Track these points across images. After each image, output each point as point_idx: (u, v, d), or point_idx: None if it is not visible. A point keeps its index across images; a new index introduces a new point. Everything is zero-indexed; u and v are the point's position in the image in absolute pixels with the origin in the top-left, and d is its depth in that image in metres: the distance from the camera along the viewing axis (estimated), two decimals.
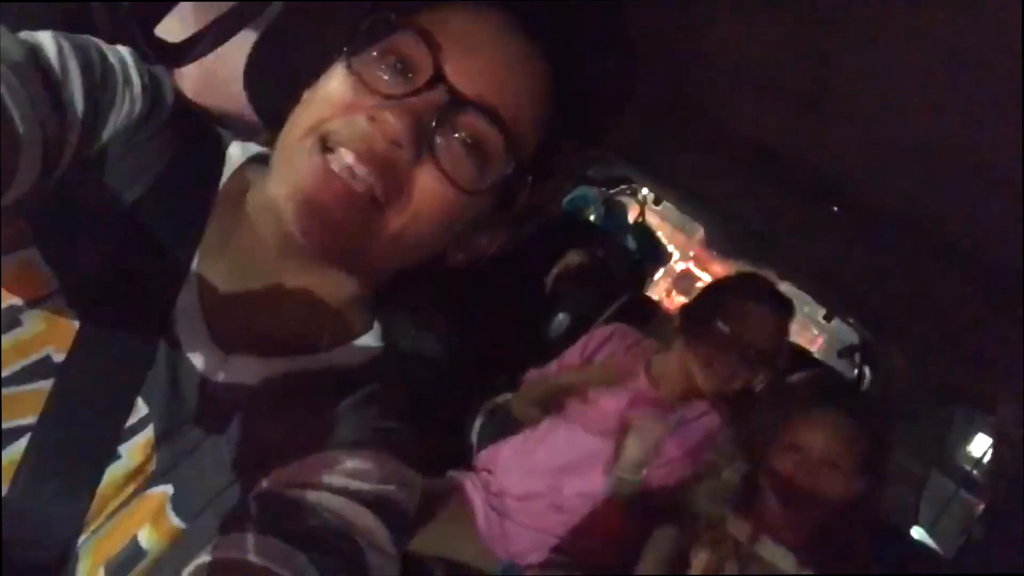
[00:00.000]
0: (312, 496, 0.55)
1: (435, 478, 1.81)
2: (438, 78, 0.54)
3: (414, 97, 0.53)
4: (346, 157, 0.53)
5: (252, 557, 0.49)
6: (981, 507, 1.98)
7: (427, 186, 0.55)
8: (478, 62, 0.55)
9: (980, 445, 2.70)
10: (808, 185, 1.52)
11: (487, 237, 0.65)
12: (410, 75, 0.54)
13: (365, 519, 0.55)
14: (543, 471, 1.75)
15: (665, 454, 1.69)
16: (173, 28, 0.91)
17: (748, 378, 1.67)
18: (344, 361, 0.65)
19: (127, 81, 0.57)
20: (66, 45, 0.53)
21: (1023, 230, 0.99)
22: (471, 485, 1.80)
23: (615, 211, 3.30)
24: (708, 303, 1.77)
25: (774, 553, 1.44)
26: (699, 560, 1.47)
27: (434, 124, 0.54)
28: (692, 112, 1.60)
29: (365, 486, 0.57)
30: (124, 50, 0.58)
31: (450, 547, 1.69)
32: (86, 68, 0.54)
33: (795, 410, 1.50)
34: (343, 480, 0.56)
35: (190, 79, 0.89)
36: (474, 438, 1.99)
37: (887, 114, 1.02)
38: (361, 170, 0.53)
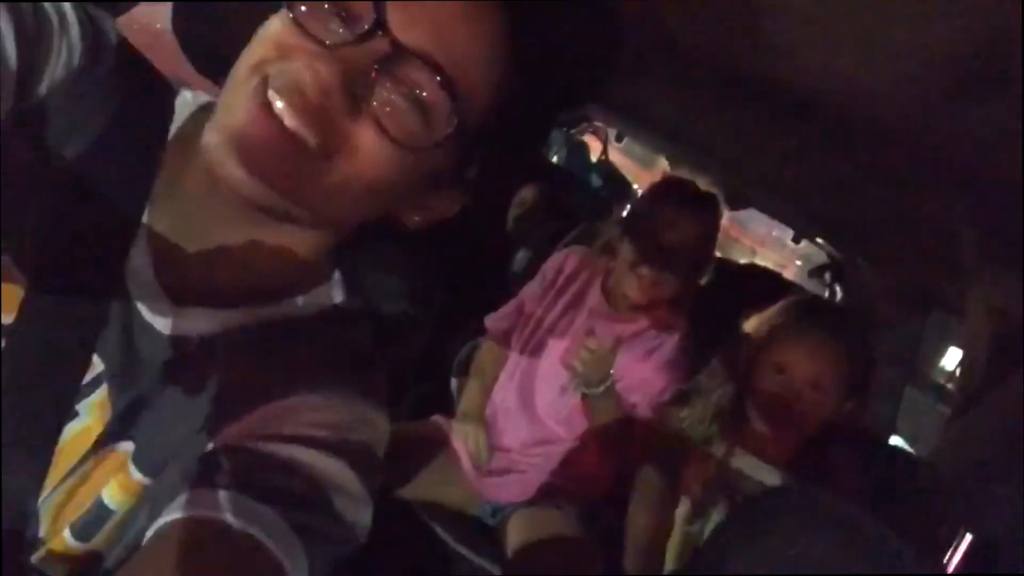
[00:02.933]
0: (274, 448, 0.54)
1: (416, 422, 1.83)
2: (378, 27, 0.51)
3: (353, 46, 0.51)
4: (278, 103, 0.50)
5: (223, 516, 0.49)
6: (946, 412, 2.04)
7: (366, 141, 0.53)
8: (424, 12, 0.52)
9: (953, 358, 2.76)
10: (768, 106, 1.50)
11: (443, 200, 0.64)
12: (351, 24, 0.52)
13: (329, 465, 0.55)
14: (515, 398, 1.79)
15: (621, 368, 1.72)
16: None
17: (673, 283, 1.69)
18: (302, 310, 0.64)
19: (64, 29, 0.54)
20: None
21: (986, 133, 0.99)
22: (455, 431, 1.82)
23: (577, 150, 3.27)
24: (635, 212, 1.82)
25: (758, 469, 1.46)
26: (687, 482, 1.50)
27: (372, 76, 0.51)
28: (649, 42, 1.57)
29: (326, 432, 0.56)
30: None
31: (437, 492, 1.73)
32: (17, 19, 0.51)
33: (779, 332, 1.52)
34: (304, 429, 0.56)
35: (133, 29, 0.85)
36: (453, 384, 2.00)
37: (844, 24, 1.00)
38: (291, 120, 0.50)
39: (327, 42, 0.51)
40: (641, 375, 1.71)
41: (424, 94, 0.53)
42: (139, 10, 0.86)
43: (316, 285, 0.66)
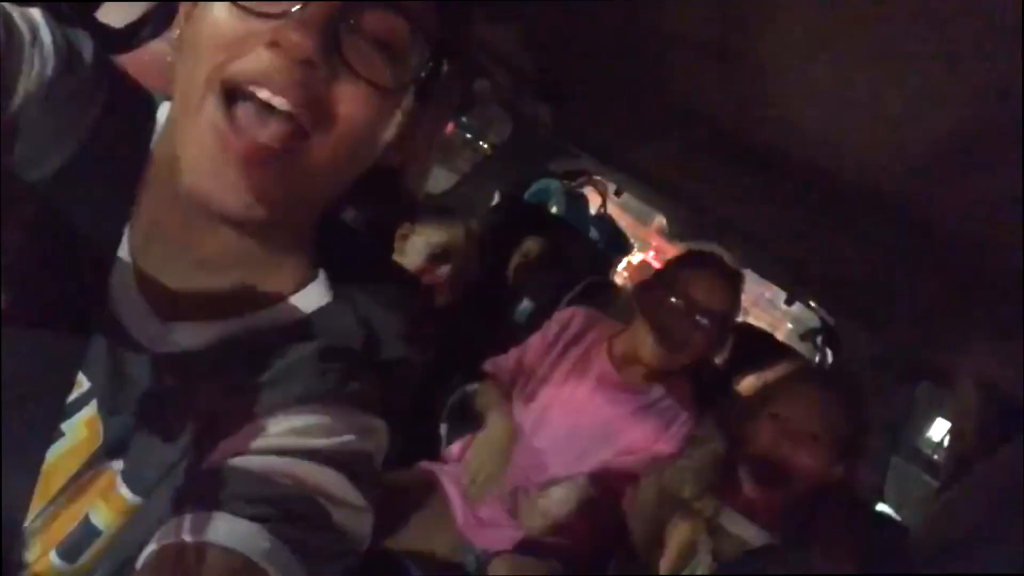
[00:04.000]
0: (267, 463, 0.53)
1: (404, 469, 1.80)
2: None
3: (308, 7, 0.49)
4: (260, 94, 0.49)
5: (217, 539, 0.47)
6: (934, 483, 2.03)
7: (349, 98, 0.52)
8: None
9: (940, 429, 2.76)
10: (766, 170, 1.53)
11: (418, 130, 0.62)
12: None
13: (324, 477, 0.54)
14: (520, 461, 1.75)
15: (626, 439, 1.70)
16: (115, 14, 0.88)
17: (698, 345, 1.67)
18: (290, 316, 0.63)
19: (36, 41, 0.53)
20: None
21: (981, 203, 1.01)
22: (446, 476, 1.78)
23: (577, 203, 3.31)
24: (660, 276, 1.82)
25: (743, 527, 1.44)
26: (673, 540, 1.48)
27: (338, 30, 0.50)
28: (651, 101, 1.60)
29: (320, 442, 0.55)
30: (34, 11, 0.55)
31: (423, 539, 1.68)
32: None
33: (779, 385, 1.51)
34: (296, 440, 0.54)
35: (134, 66, 0.86)
36: (443, 430, 1.98)
37: (844, 96, 1.02)
38: (281, 102, 0.49)
39: (280, 12, 0.49)
40: (659, 448, 1.69)
41: (389, 33, 0.52)
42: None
43: (302, 286, 0.64)
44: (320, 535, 0.52)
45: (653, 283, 1.78)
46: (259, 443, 0.54)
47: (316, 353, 0.60)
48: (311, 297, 0.64)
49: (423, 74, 0.55)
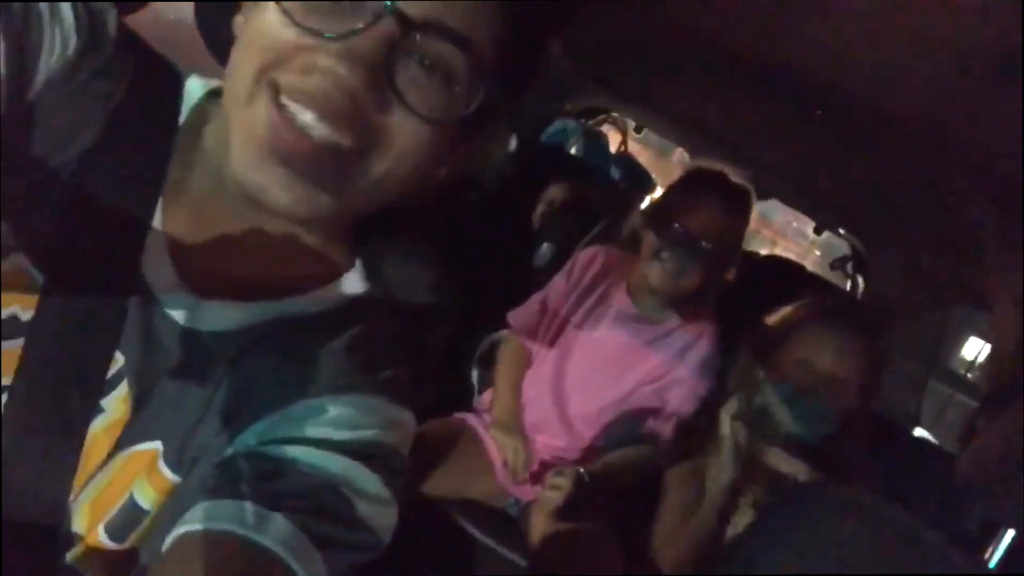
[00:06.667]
0: (293, 453, 0.53)
1: (441, 419, 1.82)
2: (382, 10, 0.48)
3: (363, 35, 0.48)
4: (304, 116, 0.49)
5: (238, 528, 0.48)
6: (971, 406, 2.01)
7: (401, 128, 0.51)
8: None
9: (974, 347, 2.73)
10: (788, 96, 1.49)
11: (464, 151, 0.62)
12: (353, 10, 0.49)
13: (349, 469, 0.54)
14: (548, 401, 1.78)
15: (645, 367, 1.72)
16: None
17: (698, 274, 1.66)
18: (325, 304, 0.63)
19: (56, 18, 0.52)
20: None
21: (1015, 124, 0.97)
22: (480, 425, 1.81)
23: (595, 142, 3.25)
24: (662, 202, 1.79)
25: (789, 463, 1.45)
26: (719, 480, 1.49)
27: (391, 61, 0.49)
28: (667, 34, 1.55)
29: (348, 434, 0.55)
30: None
31: (463, 487, 1.72)
32: (4, 13, 0.49)
33: (797, 327, 1.51)
34: (324, 431, 0.55)
35: (144, 26, 0.85)
36: (475, 379, 2.00)
37: (869, 17, 0.99)
38: (322, 129, 0.49)
39: (332, 35, 0.48)
40: (678, 374, 1.71)
41: (443, 62, 0.51)
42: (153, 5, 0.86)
43: (338, 276, 0.64)
44: (343, 527, 0.52)
45: (655, 210, 1.77)
46: (286, 431, 0.54)
47: (347, 342, 0.60)
48: (347, 285, 0.64)
49: (474, 106, 0.53)
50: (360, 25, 0.48)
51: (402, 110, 0.51)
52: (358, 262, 0.66)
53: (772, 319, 1.60)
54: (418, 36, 0.50)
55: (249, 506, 0.49)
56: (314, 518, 0.51)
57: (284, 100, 0.49)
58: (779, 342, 1.53)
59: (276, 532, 0.48)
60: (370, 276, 0.66)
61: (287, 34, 0.49)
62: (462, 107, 0.53)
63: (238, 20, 0.56)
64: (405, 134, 0.52)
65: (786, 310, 1.60)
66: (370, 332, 0.62)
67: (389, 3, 0.48)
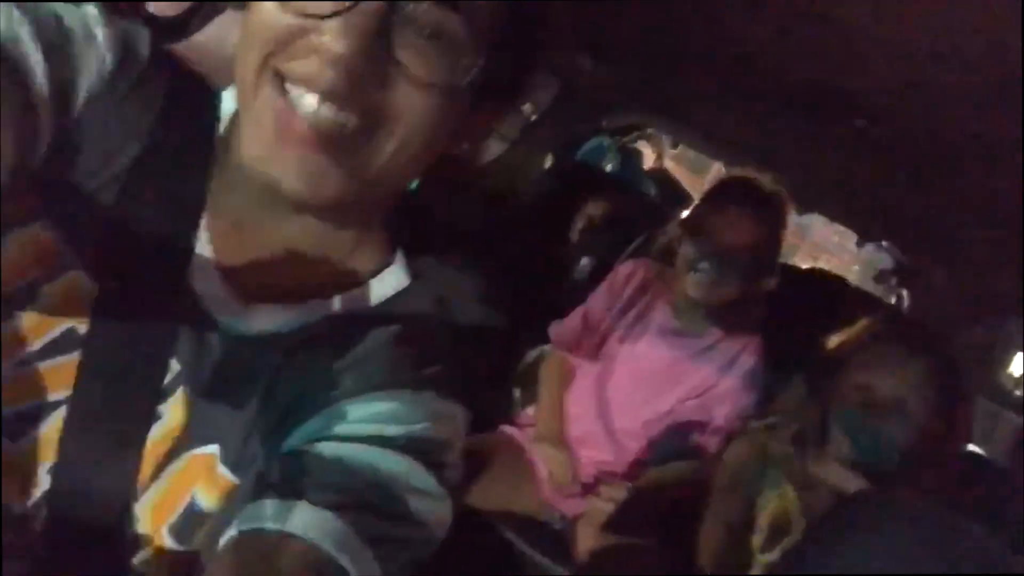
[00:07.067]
0: (342, 449, 0.53)
1: (486, 433, 1.83)
2: None
3: (355, 9, 0.47)
4: (307, 99, 0.49)
5: (287, 528, 0.48)
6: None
7: (406, 100, 0.50)
8: None
9: (1020, 364, 2.66)
10: (828, 108, 1.48)
11: (484, 118, 0.61)
12: None
13: (398, 465, 0.54)
14: (592, 416, 1.78)
15: (689, 382, 1.72)
16: (164, 5, 0.90)
17: (736, 284, 1.65)
18: (369, 300, 0.63)
19: (89, 38, 0.54)
20: (16, 15, 0.50)
21: None
22: (525, 439, 1.82)
23: (631, 159, 3.26)
24: (696, 213, 1.79)
25: (839, 475, 1.42)
26: (766, 516, 1.46)
27: (387, 31, 0.48)
28: (703, 49, 1.56)
29: (396, 429, 0.55)
30: (87, 7, 0.55)
31: (509, 500, 1.71)
32: (40, 35, 0.51)
33: (862, 350, 1.47)
34: (371, 427, 0.55)
35: (192, 54, 0.88)
36: (517, 394, 2.01)
37: (905, 33, 0.99)
38: (326, 111, 0.49)
39: (325, 13, 0.47)
40: (723, 387, 1.70)
41: (442, 27, 0.50)
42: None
43: (380, 269, 0.64)
44: (395, 524, 0.52)
45: (690, 221, 1.77)
46: (336, 429, 0.54)
47: (394, 338, 0.60)
48: (390, 280, 0.64)
49: (477, 71, 0.52)
50: (350, 1, 0.48)
51: (405, 82, 0.50)
52: (399, 256, 0.65)
53: (833, 342, 1.57)
54: (410, 4, 0.49)
55: (297, 505, 0.50)
56: (367, 516, 0.51)
57: (288, 86, 0.49)
58: (841, 366, 1.48)
59: (330, 532, 0.49)
60: (413, 274, 0.65)
61: (284, 20, 0.49)
62: (466, 72, 0.52)
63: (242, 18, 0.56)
64: (412, 106, 0.51)
65: (846, 332, 1.56)
66: (415, 327, 0.62)
67: None
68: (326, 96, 0.48)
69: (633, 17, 1.58)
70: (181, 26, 0.92)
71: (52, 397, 0.55)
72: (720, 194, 1.77)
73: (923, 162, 1.47)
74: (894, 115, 1.31)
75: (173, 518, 0.58)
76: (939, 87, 1.09)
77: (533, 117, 2.59)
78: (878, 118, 1.37)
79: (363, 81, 0.48)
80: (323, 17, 0.47)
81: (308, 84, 0.49)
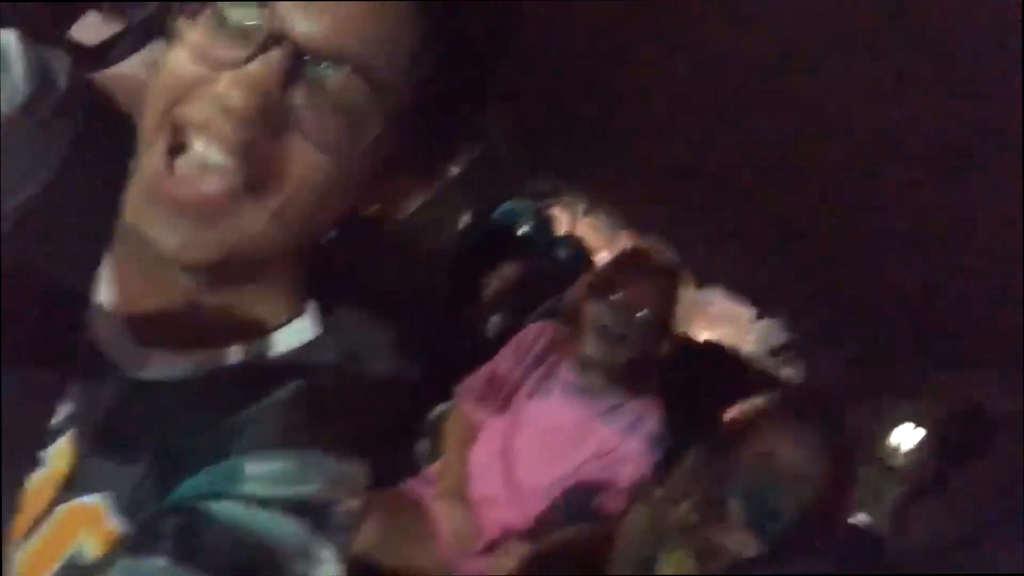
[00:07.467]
0: (216, 508, 0.51)
1: (389, 488, 1.80)
2: (276, 36, 0.47)
3: (256, 62, 0.46)
4: (198, 147, 0.47)
5: None
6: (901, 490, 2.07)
7: (298, 160, 0.48)
8: (321, 8, 0.48)
9: (900, 435, 2.83)
10: (732, 195, 1.57)
11: (400, 185, 0.59)
12: (248, 36, 0.47)
13: (283, 527, 0.51)
14: (496, 475, 1.77)
15: (595, 440, 1.75)
16: (89, 31, 0.87)
17: (637, 340, 1.72)
18: (269, 353, 0.60)
19: (5, 68, 0.52)
20: None
21: (954, 216, 1.04)
22: (427, 496, 1.79)
23: (544, 223, 3.33)
24: (599, 276, 1.86)
25: (738, 541, 1.45)
26: (668, 568, 1.47)
27: (284, 89, 0.47)
28: (624, 120, 1.63)
29: (289, 490, 0.53)
30: (5, 33, 0.53)
31: (408, 558, 1.68)
32: None
33: (762, 421, 1.53)
34: (256, 486, 0.52)
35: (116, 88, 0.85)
36: (422, 450, 1.98)
37: (807, 119, 1.05)
38: (217, 158, 0.47)
39: (227, 62, 0.47)
40: (627, 448, 1.73)
41: (344, 93, 0.49)
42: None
43: (288, 320, 0.61)
44: None
45: (592, 284, 1.83)
46: (227, 488, 0.52)
47: (293, 394, 0.58)
48: (296, 332, 0.62)
49: (381, 140, 0.50)
50: (249, 53, 0.47)
51: (298, 139, 0.48)
52: (311, 307, 0.63)
53: (733, 413, 1.63)
54: (319, 65, 0.48)
55: (163, 562, 0.47)
56: None
57: (186, 135, 0.48)
58: (738, 437, 1.53)
59: None
60: (324, 326, 0.63)
61: (190, 69, 0.48)
62: (361, 138, 0.50)
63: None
64: (302, 164, 0.49)
65: (747, 404, 1.62)
66: (319, 380, 0.60)
67: (270, 28, 0.47)
68: (221, 145, 0.47)
69: (555, 85, 1.64)
70: (102, 54, 0.89)
71: None
72: (622, 260, 1.87)
73: (821, 244, 1.56)
74: (795, 190, 1.39)
75: (52, 571, 0.54)
76: (854, 161, 1.16)
77: (452, 174, 2.61)
78: (781, 193, 1.45)
79: (255, 132, 0.47)
80: (230, 64, 0.47)
81: (204, 131, 0.47)
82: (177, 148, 0.48)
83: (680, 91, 1.25)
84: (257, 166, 0.48)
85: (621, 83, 1.36)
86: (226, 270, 0.55)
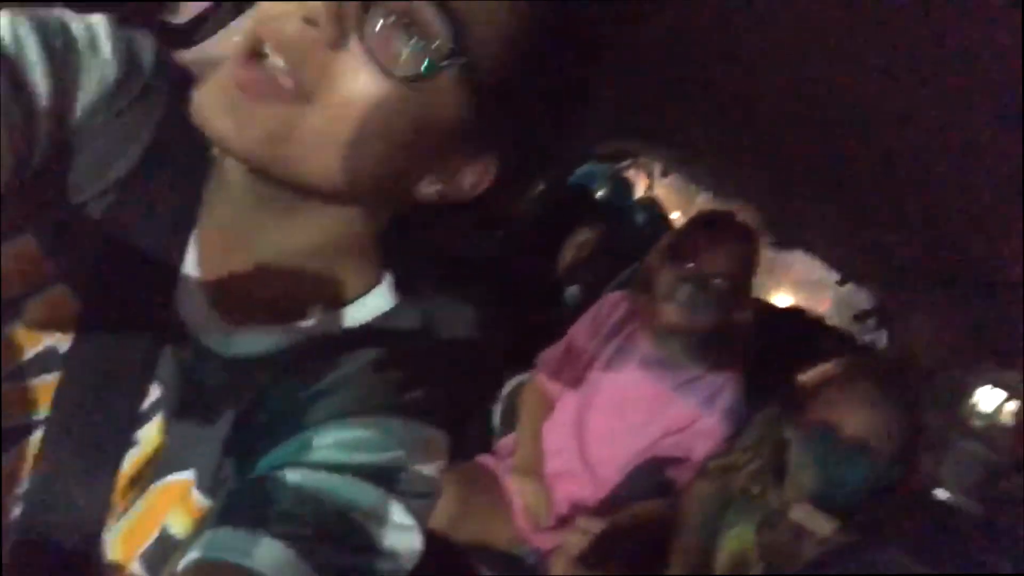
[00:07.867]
0: (297, 476, 0.52)
1: (463, 462, 1.82)
2: None
3: None
4: (266, 49, 0.48)
5: (238, 558, 0.47)
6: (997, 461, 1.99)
7: (351, 72, 0.48)
8: None
9: (992, 401, 2.70)
10: (819, 149, 1.51)
11: (467, 168, 0.57)
12: None
13: (366, 494, 0.52)
14: (570, 449, 1.78)
15: (670, 414, 1.73)
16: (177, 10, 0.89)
17: (713, 309, 1.68)
18: (349, 323, 0.62)
19: (93, 49, 0.53)
20: (23, 22, 0.50)
21: None
22: (501, 469, 1.81)
23: (620, 186, 3.29)
24: (674, 243, 1.83)
25: (802, 512, 1.42)
26: (724, 552, 1.46)
27: (364, 8, 0.47)
28: (700, 79, 1.58)
29: (365, 457, 0.54)
30: (95, 17, 0.55)
31: (482, 532, 1.70)
32: (45, 44, 0.50)
33: (828, 387, 1.48)
34: (340, 455, 0.53)
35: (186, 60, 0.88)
36: (496, 422, 2.00)
37: (895, 70, 1.00)
38: (276, 60, 0.48)
39: None
40: (705, 423, 1.72)
41: (420, 21, 0.47)
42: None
43: (366, 291, 0.63)
44: (360, 556, 0.51)
45: (667, 250, 1.80)
46: (303, 456, 0.53)
47: (372, 362, 0.59)
48: (374, 302, 0.63)
49: (443, 68, 0.49)
50: None
51: (357, 54, 0.48)
52: (387, 278, 0.64)
53: (803, 377, 1.58)
54: None
55: (250, 534, 0.48)
56: (325, 546, 0.50)
57: (259, 44, 0.49)
58: (809, 401, 1.50)
59: (269, 559, 0.47)
60: (402, 295, 0.64)
61: (279, 5, 0.49)
62: (422, 75, 0.49)
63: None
64: (352, 78, 0.48)
65: (818, 368, 1.57)
66: (397, 349, 0.61)
67: None
68: (279, 46, 0.48)
69: (630, 45, 1.60)
70: (188, 33, 0.91)
71: (36, 416, 0.54)
72: (697, 225, 1.83)
73: (910, 206, 1.49)
74: (886, 159, 1.33)
75: (145, 546, 0.57)
76: (933, 134, 1.11)
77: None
78: (868, 161, 1.39)
79: (317, 40, 0.47)
80: None
81: (270, 35, 0.48)
82: (252, 56, 0.49)
83: (765, 50, 1.20)
84: (306, 72, 0.48)
85: (704, 44, 1.32)
86: (321, 228, 0.57)
